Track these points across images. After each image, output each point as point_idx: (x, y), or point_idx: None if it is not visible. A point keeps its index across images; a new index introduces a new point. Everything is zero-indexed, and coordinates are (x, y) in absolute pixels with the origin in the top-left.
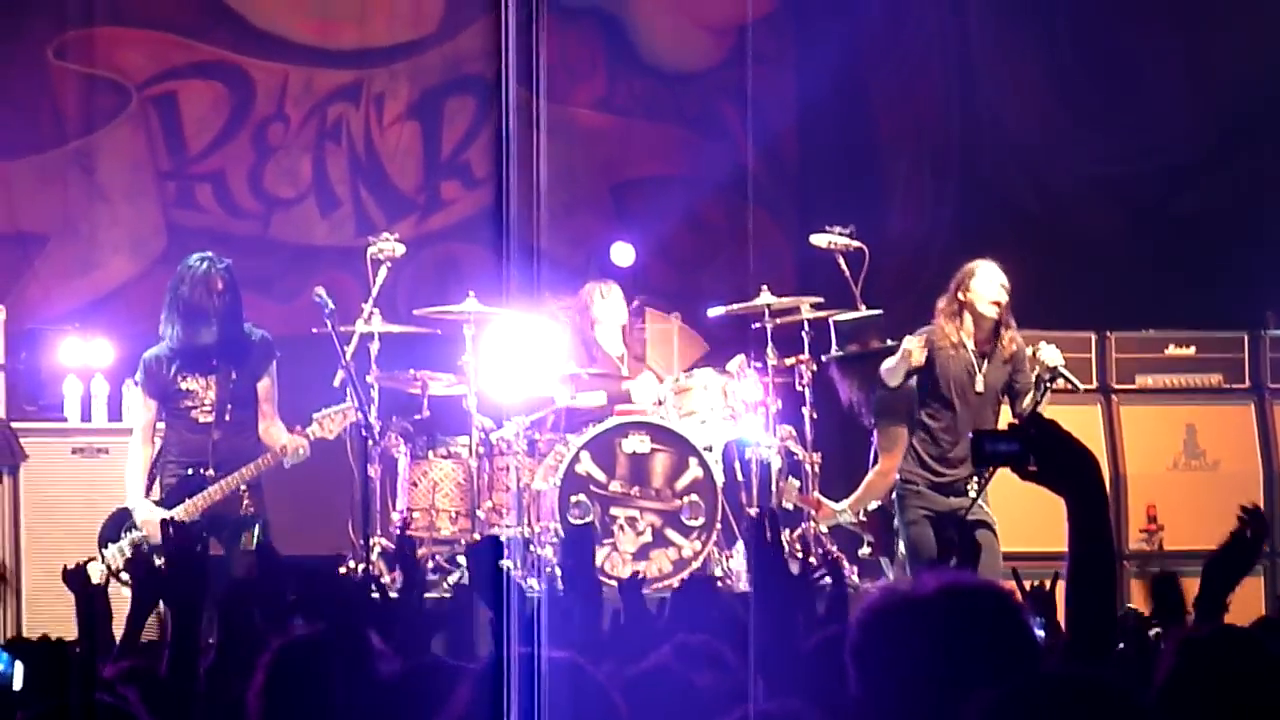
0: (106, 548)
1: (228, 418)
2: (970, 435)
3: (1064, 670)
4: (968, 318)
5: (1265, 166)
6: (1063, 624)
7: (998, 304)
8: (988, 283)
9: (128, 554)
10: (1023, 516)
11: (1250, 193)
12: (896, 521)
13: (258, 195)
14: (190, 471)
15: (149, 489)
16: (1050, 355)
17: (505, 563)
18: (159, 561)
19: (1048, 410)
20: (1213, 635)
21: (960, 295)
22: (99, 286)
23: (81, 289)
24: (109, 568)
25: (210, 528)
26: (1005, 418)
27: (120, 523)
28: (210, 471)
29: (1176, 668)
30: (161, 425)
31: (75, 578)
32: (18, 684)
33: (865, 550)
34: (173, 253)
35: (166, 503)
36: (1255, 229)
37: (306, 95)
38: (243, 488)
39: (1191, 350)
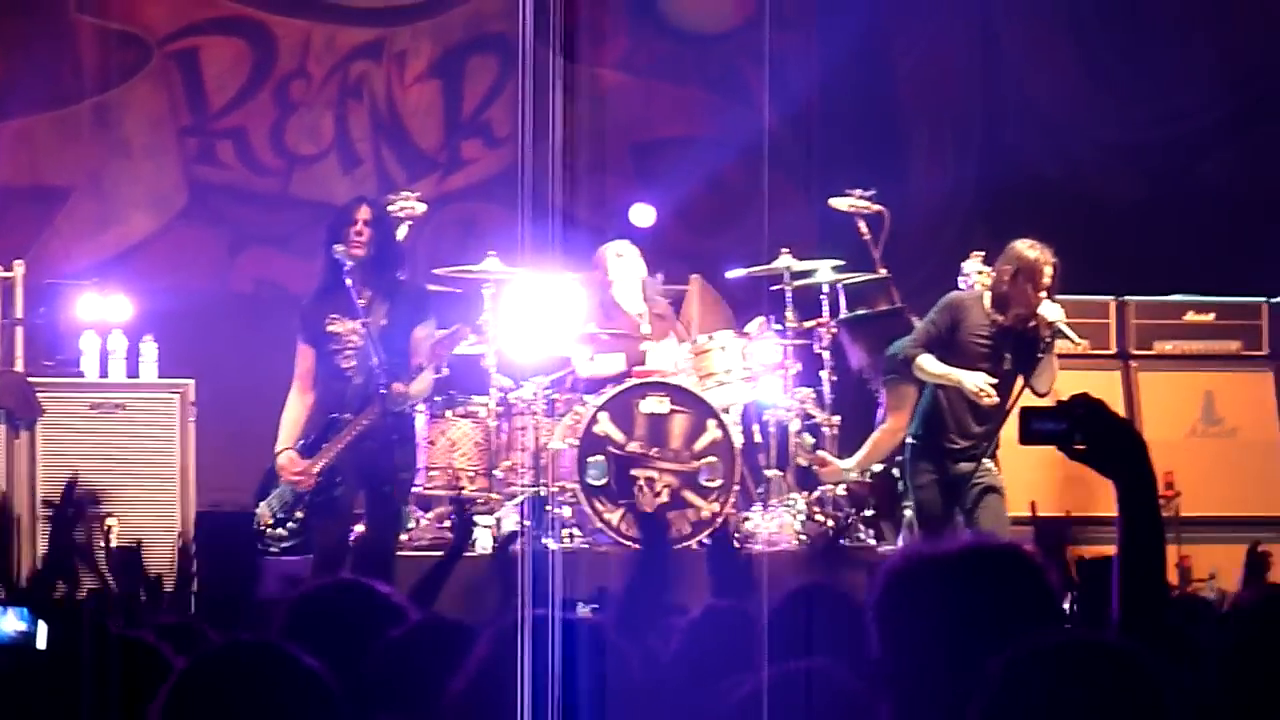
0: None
1: (373, 363)
2: (1018, 411)
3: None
4: (1010, 295)
5: None
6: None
7: (1048, 288)
8: (1042, 268)
9: (275, 510)
10: (1032, 481)
11: (1270, 160)
12: (902, 485)
13: (279, 152)
14: (331, 419)
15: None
16: (1050, 311)
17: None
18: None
19: (1067, 379)
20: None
21: (1009, 279)
22: (119, 242)
23: (101, 245)
24: (259, 524)
25: (358, 476)
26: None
27: (272, 477)
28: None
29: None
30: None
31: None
32: (41, 643)
33: (869, 512)
34: (192, 209)
35: (307, 452)
36: (1275, 196)
37: (328, 52)
38: (394, 436)
39: (1210, 317)
